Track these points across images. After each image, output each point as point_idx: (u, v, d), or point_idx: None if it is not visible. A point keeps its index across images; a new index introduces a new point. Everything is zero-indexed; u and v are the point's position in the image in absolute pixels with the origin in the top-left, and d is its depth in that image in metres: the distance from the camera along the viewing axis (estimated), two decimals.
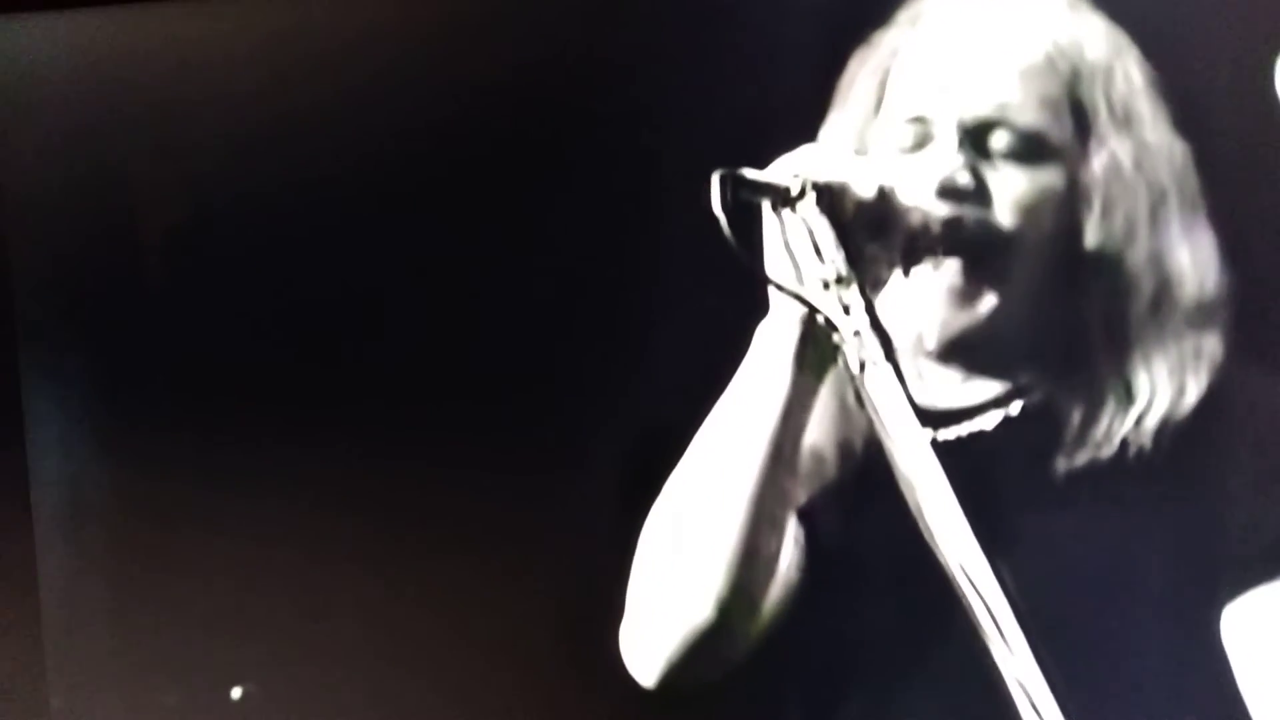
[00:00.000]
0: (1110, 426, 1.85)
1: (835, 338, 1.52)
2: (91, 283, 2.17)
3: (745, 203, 1.55)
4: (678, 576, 1.78)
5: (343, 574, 2.10)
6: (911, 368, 1.87)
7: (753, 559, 1.75)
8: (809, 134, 1.83)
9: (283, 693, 2.13)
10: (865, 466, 1.85)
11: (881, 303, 1.83)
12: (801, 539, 1.90)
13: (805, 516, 1.90)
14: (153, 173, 2.14)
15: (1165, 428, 1.85)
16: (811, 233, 1.57)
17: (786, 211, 1.58)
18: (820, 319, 1.53)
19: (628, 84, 2.00)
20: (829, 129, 1.92)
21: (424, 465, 2.08)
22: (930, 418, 1.88)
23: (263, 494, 2.12)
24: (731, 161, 1.53)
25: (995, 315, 1.86)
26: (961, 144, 1.86)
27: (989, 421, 1.88)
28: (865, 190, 1.65)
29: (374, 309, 2.09)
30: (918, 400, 1.87)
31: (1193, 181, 1.87)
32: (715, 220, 1.47)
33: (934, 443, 1.85)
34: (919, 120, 1.88)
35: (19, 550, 2.19)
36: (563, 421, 2.03)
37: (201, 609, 2.14)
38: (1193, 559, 1.84)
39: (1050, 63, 1.87)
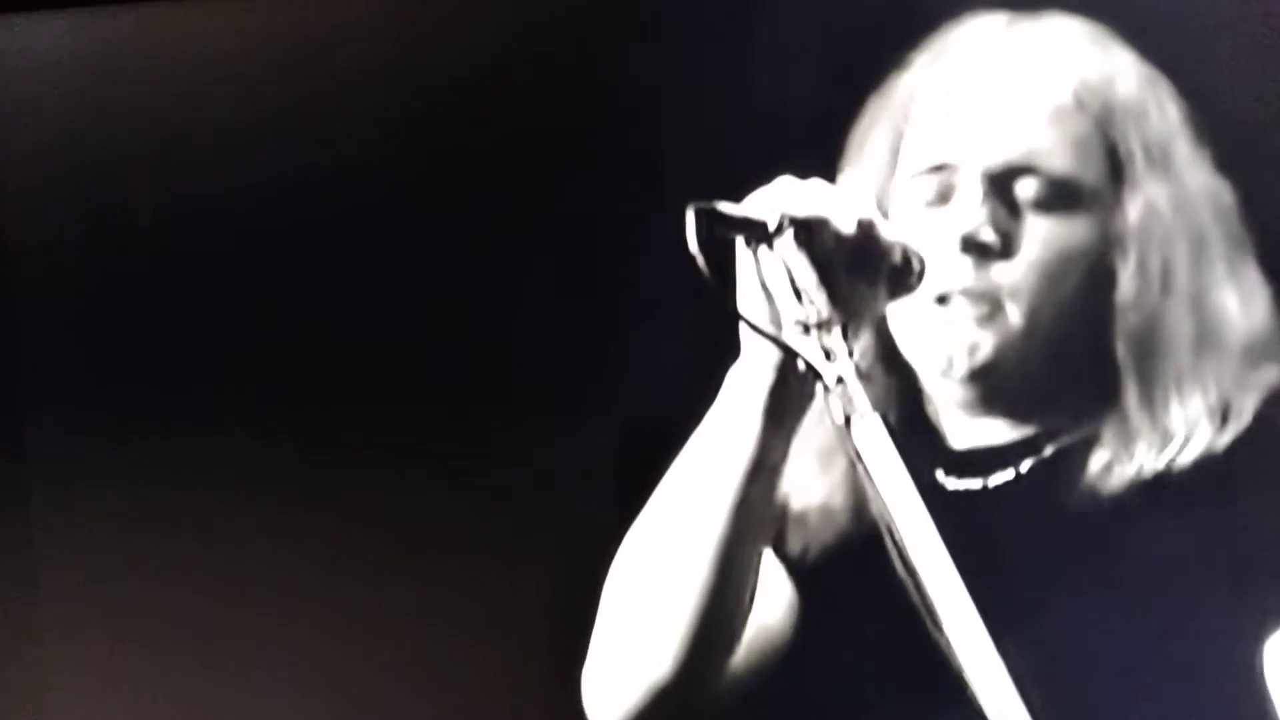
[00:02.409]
0: (1143, 467, 1.74)
1: (818, 386, 1.36)
2: (91, 282, 2.14)
3: (721, 239, 1.40)
4: (638, 628, 1.67)
5: (343, 578, 2.07)
6: (936, 406, 1.80)
7: (716, 618, 1.63)
8: None
9: (283, 692, 2.10)
10: (863, 524, 1.74)
11: (905, 336, 1.76)
12: (796, 595, 1.80)
13: (800, 573, 1.80)
14: (152, 172, 2.12)
15: (1203, 462, 1.73)
16: (790, 272, 1.41)
17: (763, 249, 1.43)
18: (800, 365, 1.37)
19: (625, 137, 1.94)
20: (842, 183, 1.80)
21: (427, 474, 2.05)
22: (954, 462, 1.80)
23: (263, 496, 2.09)
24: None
25: (1023, 361, 1.75)
26: (987, 195, 1.74)
27: (1023, 465, 1.78)
28: (846, 225, 1.48)
29: (375, 308, 2.05)
30: (947, 441, 1.80)
31: (1237, 222, 1.74)
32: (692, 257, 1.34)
33: (956, 493, 1.77)
34: (940, 169, 1.76)
35: (19, 551, 2.17)
36: (542, 444, 1.99)
37: (201, 610, 2.11)
38: (1230, 600, 1.72)
39: (1079, 102, 1.73)
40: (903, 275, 1.55)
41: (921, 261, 1.56)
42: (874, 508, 1.26)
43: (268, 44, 2.06)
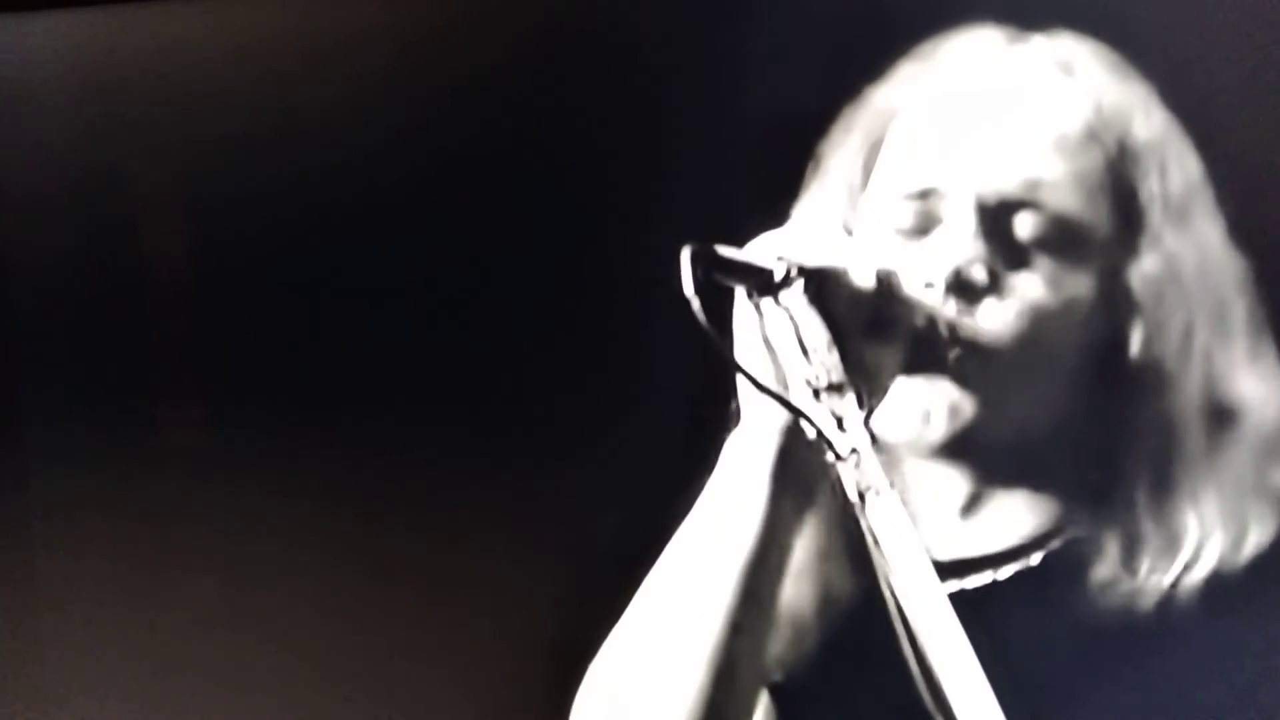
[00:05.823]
0: (1149, 579, 1.47)
1: (828, 457, 1.15)
2: (91, 283, 2.12)
3: (718, 286, 1.19)
4: None
5: (341, 573, 2.03)
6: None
7: None
8: (779, 211, 1.51)
9: (282, 690, 2.06)
10: (853, 625, 1.50)
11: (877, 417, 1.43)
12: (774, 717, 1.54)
13: (778, 691, 1.52)
14: (152, 172, 2.09)
15: (1218, 579, 1.46)
16: (797, 328, 1.20)
17: (767, 301, 1.22)
18: (810, 433, 1.15)
19: (590, 144, 1.84)
20: (803, 206, 1.58)
21: (426, 474, 2.00)
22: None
23: (262, 492, 2.05)
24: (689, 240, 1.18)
25: (1008, 441, 1.49)
26: (980, 227, 1.47)
27: (1004, 572, 1.51)
28: (863, 279, 1.26)
29: (371, 309, 2.01)
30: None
31: (1255, 298, 1.48)
32: (685, 301, 1.15)
33: None
34: (925, 194, 1.49)
35: (18, 549, 2.15)
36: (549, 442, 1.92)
37: (201, 607, 2.09)
38: None
39: (1092, 135, 1.48)
40: (928, 341, 1.34)
41: (950, 327, 1.36)
42: (887, 597, 1.11)
43: (268, 44, 2.03)
